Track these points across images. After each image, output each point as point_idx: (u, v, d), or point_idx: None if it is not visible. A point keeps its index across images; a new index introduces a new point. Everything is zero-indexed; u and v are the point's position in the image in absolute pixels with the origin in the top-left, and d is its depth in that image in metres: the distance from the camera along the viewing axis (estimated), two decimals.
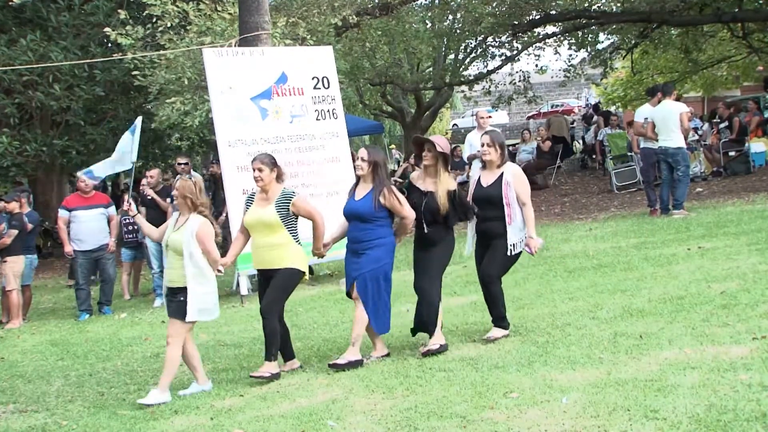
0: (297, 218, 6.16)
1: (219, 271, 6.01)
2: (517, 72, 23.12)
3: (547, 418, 4.36)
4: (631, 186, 15.31)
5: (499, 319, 6.35)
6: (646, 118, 11.63)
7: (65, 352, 8.27)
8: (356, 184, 6.31)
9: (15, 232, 10.19)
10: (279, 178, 6.23)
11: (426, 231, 6.17)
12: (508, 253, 6.25)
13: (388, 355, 6.25)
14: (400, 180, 18.70)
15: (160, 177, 11.21)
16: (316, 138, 10.25)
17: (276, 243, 6.05)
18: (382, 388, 5.37)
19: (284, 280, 6.07)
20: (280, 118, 10.07)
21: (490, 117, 12.60)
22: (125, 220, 11.18)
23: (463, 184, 11.42)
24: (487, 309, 6.44)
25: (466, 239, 6.60)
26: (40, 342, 9.02)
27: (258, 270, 6.27)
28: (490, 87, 23.07)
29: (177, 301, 5.94)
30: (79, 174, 10.87)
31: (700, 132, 16.83)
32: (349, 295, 6.34)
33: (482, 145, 6.38)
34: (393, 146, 35.72)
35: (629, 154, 15.73)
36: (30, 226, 10.49)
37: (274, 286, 6.06)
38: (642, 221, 11.38)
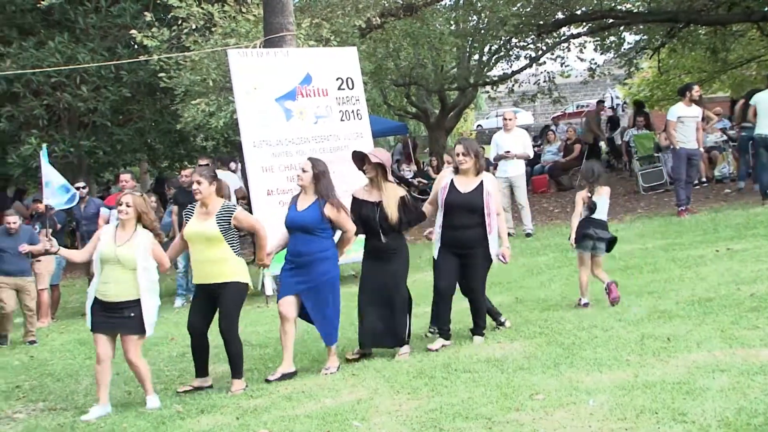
0: (238, 232, 6.19)
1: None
2: (541, 72, 23.00)
3: (573, 420, 4.33)
4: (658, 187, 15.16)
5: (482, 328, 6.47)
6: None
7: (93, 351, 8.30)
8: (298, 195, 6.34)
9: (49, 231, 10.30)
10: (219, 191, 6.20)
11: (384, 241, 6.29)
12: (491, 263, 6.38)
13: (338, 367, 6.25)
14: (424, 181, 18.66)
15: None
16: (340, 139, 10.25)
17: (217, 257, 6.04)
18: (407, 389, 5.37)
19: (233, 296, 6.09)
20: (304, 119, 10.09)
21: (515, 118, 12.58)
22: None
23: None
24: (472, 316, 6.52)
25: (433, 245, 6.58)
26: (68, 341, 9.13)
27: (198, 284, 6.22)
28: (513, 86, 23.01)
29: (125, 317, 5.85)
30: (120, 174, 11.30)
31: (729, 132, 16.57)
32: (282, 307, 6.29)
33: (458, 155, 6.39)
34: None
35: (656, 154, 15.59)
36: (59, 225, 10.61)
37: (226, 306, 6.06)
38: (669, 222, 11.27)
